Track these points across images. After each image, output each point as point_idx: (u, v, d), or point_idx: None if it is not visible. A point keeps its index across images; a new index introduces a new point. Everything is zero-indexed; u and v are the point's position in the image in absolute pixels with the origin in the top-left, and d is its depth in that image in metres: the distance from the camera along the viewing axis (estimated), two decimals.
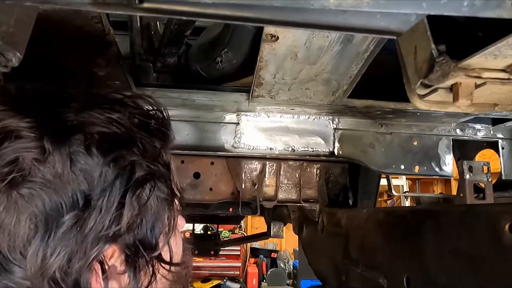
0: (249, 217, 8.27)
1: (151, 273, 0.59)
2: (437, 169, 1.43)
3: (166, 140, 0.64)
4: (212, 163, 1.63)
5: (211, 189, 1.64)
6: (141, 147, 0.57)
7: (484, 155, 1.52)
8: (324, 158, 1.43)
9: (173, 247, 0.65)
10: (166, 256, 0.63)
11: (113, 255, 0.56)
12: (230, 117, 1.39)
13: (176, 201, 0.65)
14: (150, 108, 0.65)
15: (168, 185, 0.61)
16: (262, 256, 8.46)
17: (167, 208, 0.61)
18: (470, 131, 1.47)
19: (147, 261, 0.58)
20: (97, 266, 0.54)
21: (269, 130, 1.40)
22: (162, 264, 0.61)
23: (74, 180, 0.51)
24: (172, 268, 0.64)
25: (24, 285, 0.50)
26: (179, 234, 0.73)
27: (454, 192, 1.55)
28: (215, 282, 7.45)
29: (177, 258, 0.67)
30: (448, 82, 0.54)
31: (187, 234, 3.80)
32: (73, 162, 0.51)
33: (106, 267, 0.54)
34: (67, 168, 0.51)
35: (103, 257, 0.54)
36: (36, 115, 0.52)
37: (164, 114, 0.65)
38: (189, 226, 3.60)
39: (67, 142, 0.51)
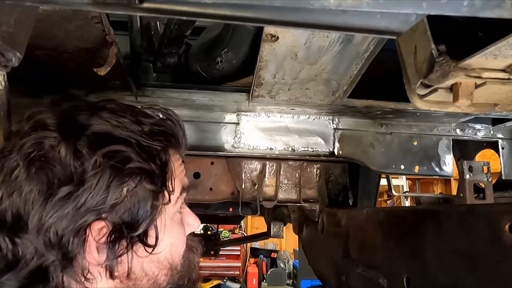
0: (249, 217, 8.28)
1: (129, 249, 0.68)
2: (437, 169, 1.43)
3: (169, 143, 0.75)
4: (212, 163, 1.63)
5: (211, 189, 1.64)
6: (137, 147, 0.68)
7: (484, 155, 1.52)
8: (324, 158, 1.43)
9: (163, 235, 0.73)
10: (151, 241, 0.71)
11: (101, 230, 0.67)
12: (230, 117, 1.39)
13: (167, 195, 0.73)
14: (164, 117, 0.78)
15: (159, 180, 0.71)
16: (262, 256, 8.47)
17: (153, 198, 0.70)
18: (470, 131, 1.47)
19: (127, 239, 0.68)
20: (85, 234, 0.65)
21: (269, 130, 1.40)
22: (145, 246, 0.70)
23: (72, 163, 0.64)
24: (156, 252, 0.72)
25: (27, 245, 0.64)
26: (181, 229, 0.80)
27: (454, 192, 1.55)
28: (215, 282, 7.45)
29: (163, 247, 0.74)
30: (448, 82, 0.54)
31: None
32: (76, 151, 0.65)
33: (92, 236, 0.66)
34: (69, 154, 0.65)
35: (90, 228, 0.65)
36: (60, 116, 0.69)
37: (174, 122, 0.79)
38: None
39: (75, 137, 0.66)
